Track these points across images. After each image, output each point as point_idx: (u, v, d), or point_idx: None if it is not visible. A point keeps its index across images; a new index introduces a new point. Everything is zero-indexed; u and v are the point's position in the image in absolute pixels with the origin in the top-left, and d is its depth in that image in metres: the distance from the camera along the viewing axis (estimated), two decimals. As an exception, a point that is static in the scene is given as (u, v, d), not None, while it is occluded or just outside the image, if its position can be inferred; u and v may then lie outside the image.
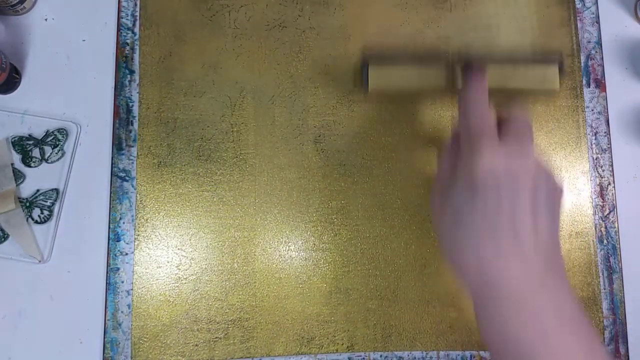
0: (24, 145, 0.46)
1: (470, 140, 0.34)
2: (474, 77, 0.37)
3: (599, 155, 0.47)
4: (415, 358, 0.44)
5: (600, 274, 0.45)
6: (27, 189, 0.45)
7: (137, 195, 0.45)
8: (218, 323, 0.44)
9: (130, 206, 0.45)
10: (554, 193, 0.34)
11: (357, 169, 0.46)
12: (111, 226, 0.45)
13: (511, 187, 0.31)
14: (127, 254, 0.45)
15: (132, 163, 0.46)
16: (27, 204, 0.45)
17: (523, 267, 0.31)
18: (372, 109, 0.47)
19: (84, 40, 0.48)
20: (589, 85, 0.48)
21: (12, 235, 0.45)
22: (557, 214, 0.34)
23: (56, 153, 0.46)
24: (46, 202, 0.45)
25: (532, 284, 0.31)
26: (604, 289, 0.45)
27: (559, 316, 0.30)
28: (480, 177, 0.32)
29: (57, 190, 0.45)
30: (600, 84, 0.48)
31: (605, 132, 0.47)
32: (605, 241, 0.46)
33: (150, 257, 0.45)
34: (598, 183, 0.46)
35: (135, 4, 0.47)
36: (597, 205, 0.46)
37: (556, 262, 0.33)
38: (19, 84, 0.47)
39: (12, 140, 0.46)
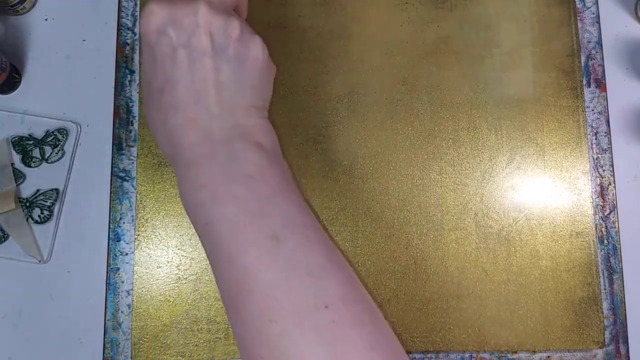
0: (24, 145, 0.46)
1: None
2: None
3: (599, 155, 0.47)
4: (415, 359, 0.44)
5: (601, 274, 0.45)
6: (27, 189, 0.45)
7: (137, 195, 0.45)
8: (218, 323, 0.44)
9: (131, 206, 0.45)
10: (240, 48, 0.32)
11: (357, 169, 0.46)
12: (111, 226, 0.45)
13: (181, 36, 0.30)
14: (127, 254, 0.45)
15: (133, 163, 0.46)
16: (27, 204, 0.45)
17: (200, 134, 0.30)
18: (373, 108, 0.47)
19: (84, 40, 0.48)
20: (589, 85, 0.47)
21: (12, 236, 0.45)
22: (248, 79, 0.33)
23: (56, 153, 0.46)
24: (46, 202, 0.45)
25: (206, 149, 0.30)
26: (605, 289, 0.45)
27: (228, 180, 0.30)
28: (145, 31, 0.31)
29: (57, 190, 0.45)
30: (601, 84, 0.48)
31: (605, 132, 0.47)
32: (605, 241, 0.46)
33: (151, 257, 0.45)
34: (598, 183, 0.46)
35: (136, 4, 0.47)
36: (598, 205, 0.46)
37: (243, 126, 0.32)
38: (19, 84, 0.47)
39: (12, 140, 0.46)
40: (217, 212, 0.29)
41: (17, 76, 0.46)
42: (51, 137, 0.46)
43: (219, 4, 0.32)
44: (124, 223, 0.45)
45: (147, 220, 0.45)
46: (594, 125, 0.47)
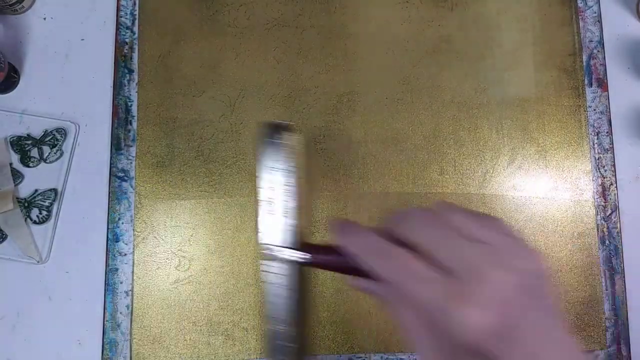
0: (22, 145, 0.45)
1: (425, 305, 0.26)
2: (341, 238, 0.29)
3: (601, 155, 0.46)
4: (415, 359, 0.44)
5: (602, 275, 0.45)
6: (25, 189, 0.45)
7: (136, 195, 0.45)
8: (218, 324, 0.44)
9: (129, 206, 0.45)
10: (539, 285, 0.27)
11: (357, 169, 0.46)
12: (110, 226, 0.45)
13: (514, 331, 0.25)
14: (125, 254, 0.44)
15: (131, 163, 0.45)
16: (26, 204, 0.45)
17: None
18: (373, 108, 0.46)
19: (82, 40, 0.47)
20: (590, 85, 0.47)
21: (11, 236, 0.44)
22: (551, 301, 0.27)
23: (55, 153, 0.45)
24: (45, 202, 0.45)
25: None
26: (606, 289, 0.45)
27: None
28: (476, 341, 0.25)
29: (55, 190, 0.45)
30: (602, 84, 0.47)
31: (607, 132, 0.47)
32: (607, 242, 0.45)
33: (149, 257, 0.44)
34: (600, 183, 0.46)
35: (134, 3, 0.47)
36: (599, 205, 0.46)
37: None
38: (18, 84, 0.46)
39: (11, 140, 0.46)
40: None
41: (15, 75, 0.46)
42: (49, 137, 0.45)
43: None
44: (122, 223, 0.45)
45: (146, 220, 0.45)
46: (595, 125, 0.47)
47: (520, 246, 0.27)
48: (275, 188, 0.33)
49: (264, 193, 0.32)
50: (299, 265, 0.31)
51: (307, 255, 0.31)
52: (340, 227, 0.30)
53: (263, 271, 0.31)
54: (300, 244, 0.32)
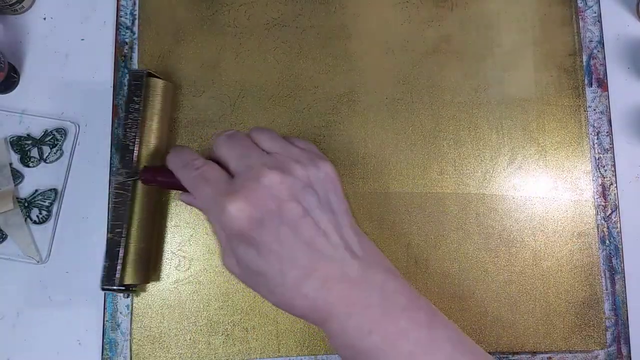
0: (22, 145, 0.46)
1: (211, 205, 0.32)
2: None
3: (601, 155, 0.46)
4: (416, 359, 0.44)
5: (602, 275, 0.45)
6: (25, 189, 0.45)
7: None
8: (218, 324, 0.44)
9: (129, 206, 0.45)
10: (322, 187, 0.33)
11: (358, 169, 0.46)
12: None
13: (273, 217, 0.30)
14: (126, 254, 0.44)
15: (131, 163, 0.45)
16: (26, 204, 0.45)
17: (342, 286, 0.30)
18: (373, 108, 0.46)
19: (82, 40, 0.47)
20: (590, 85, 0.47)
21: (11, 236, 0.44)
22: (336, 205, 0.33)
23: (55, 153, 0.46)
24: (45, 202, 0.45)
25: (355, 296, 0.30)
26: (606, 290, 0.45)
27: (392, 319, 0.30)
28: (240, 228, 0.30)
29: (55, 190, 0.45)
30: (602, 84, 0.47)
31: (607, 132, 0.47)
32: (607, 242, 0.45)
33: (149, 257, 0.44)
34: (600, 183, 0.46)
35: (134, 3, 0.47)
36: (600, 205, 0.46)
37: (367, 253, 0.32)
38: (18, 84, 0.46)
39: (11, 140, 0.46)
40: (392, 353, 0.29)
41: (15, 75, 0.46)
42: (49, 137, 0.45)
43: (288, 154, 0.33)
44: (122, 223, 0.45)
45: (146, 220, 0.45)
46: (595, 125, 0.47)
47: (311, 158, 0.34)
48: (129, 124, 0.41)
49: (121, 130, 0.42)
50: (140, 185, 0.41)
51: (137, 176, 0.40)
52: (172, 149, 0.36)
53: (113, 189, 0.40)
54: (142, 168, 0.40)
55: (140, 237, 0.41)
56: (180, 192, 0.38)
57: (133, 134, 0.40)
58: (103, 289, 0.39)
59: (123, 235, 0.39)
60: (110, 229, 0.40)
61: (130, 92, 0.41)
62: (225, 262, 0.33)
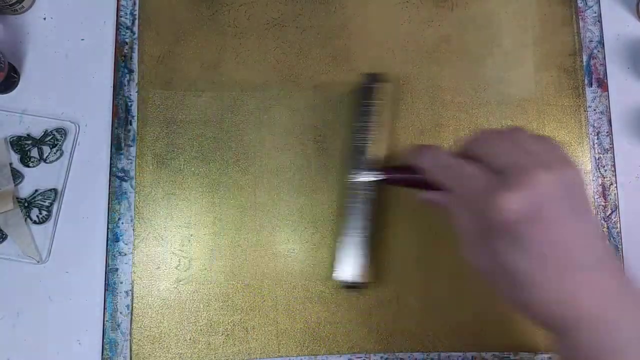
0: (22, 145, 0.46)
1: (474, 199, 0.31)
2: (418, 156, 0.36)
3: (601, 155, 0.46)
4: (416, 359, 0.44)
5: (602, 275, 0.45)
6: (25, 189, 0.45)
7: (136, 195, 0.45)
8: (218, 324, 0.44)
9: (129, 206, 0.45)
10: (579, 191, 0.31)
11: (358, 169, 0.46)
12: (110, 226, 0.45)
13: (545, 215, 0.29)
14: (125, 254, 0.44)
15: (131, 163, 0.45)
16: (26, 204, 0.45)
17: (598, 285, 0.29)
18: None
19: (82, 40, 0.47)
20: (591, 85, 0.47)
21: (11, 236, 0.44)
22: (591, 213, 0.32)
23: (55, 153, 0.46)
24: (45, 202, 0.45)
25: (606, 294, 0.29)
26: (606, 289, 0.45)
27: None
28: (508, 222, 0.30)
29: (55, 190, 0.45)
30: (603, 84, 0.47)
31: (607, 132, 0.47)
32: (607, 242, 0.45)
33: (149, 257, 0.44)
34: (600, 183, 0.46)
35: (134, 3, 0.47)
36: (600, 205, 0.46)
37: (618, 268, 0.32)
38: (18, 84, 0.46)
39: (11, 140, 0.46)
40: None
41: (15, 75, 0.46)
42: (49, 137, 0.45)
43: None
44: (122, 223, 0.45)
45: (146, 220, 0.45)
46: (595, 125, 0.47)
47: (565, 157, 0.33)
48: (365, 125, 0.43)
49: (354, 130, 0.44)
50: (378, 183, 0.42)
51: (382, 174, 0.41)
52: (416, 148, 0.37)
53: (348, 189, 0.42)
54: (380, 166, 0.42)
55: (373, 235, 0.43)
56: (419, 190, 0.38)
57: (367, 136, 0.43)
58: (345, 287, 0.43)
59: (366, 235, 0.42)
60: (355, 228, 0.42)
61: (365, 95, 0.44)
62: (467, 253, 0.32)
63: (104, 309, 0.44)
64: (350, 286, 0.42)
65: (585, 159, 0.46)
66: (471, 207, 0.32)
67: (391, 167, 0.41)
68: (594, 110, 0.47)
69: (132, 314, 0.44)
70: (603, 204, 0.46)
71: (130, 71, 0.46)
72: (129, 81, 0.46)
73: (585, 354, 0.29)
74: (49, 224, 0.45)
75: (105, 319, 0.44)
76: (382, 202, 0.44)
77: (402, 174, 0.39)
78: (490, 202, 0.30)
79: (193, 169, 0.45)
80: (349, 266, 0.42)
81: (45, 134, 0.46)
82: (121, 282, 0.44)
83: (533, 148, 0.32)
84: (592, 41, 0.48)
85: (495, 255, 0.31)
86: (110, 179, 0.45)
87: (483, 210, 0.30)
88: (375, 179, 0.41)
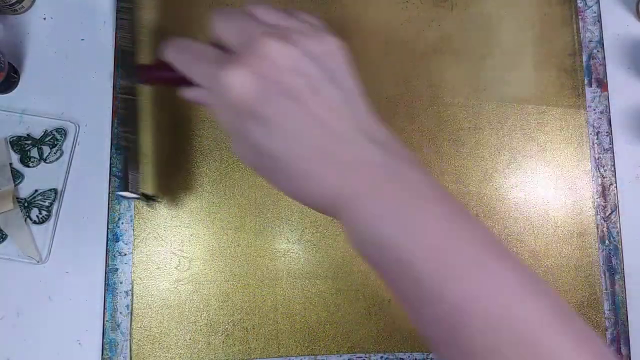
0: (22, 145, 0.46)
1: (208, 80, 0.29)
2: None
3: (600, 155, 0.46)
4: (415, 359, 0.44)
5: (602, 275, 0.45)
6: (25, 189, 0.45)
7: (136, 195, 0.45)
8: (218, 324, 0.44)
9: (129, 206, 0.45)
10: (330, 61, 0.29)
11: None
12: (110, 226, 0.45)
13: (278, 89, 0.27)
14: (125, 254, 0.44)
15: (131, 163, 0.45)
16: (26, 204, 0.45)
17: (357, 162, 0.27)
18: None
19: (82, 40, 0.47)
20: (590, 85, 0.47)
21: (11, 236, 0.44)
22: (346, 84, 0.29)
23: (55, 153, 0.45)
24: (45, 202, 0.45)
25: (375, 177, 0.27)
26: (606, 289, 0.45)
27: (411, 199, 0.27)
28: (243, 100, 0.27)
29: (55, 190, 0.45)
30: (602, 84, 0.47)
31: (607, 132, 0.47)
32: (607, 241, 0.45)
33: (149, 257, 0.44)
34: (600, 183, 0.46)
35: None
36: (599, 205, 0.46)
37: (388, 142, 0.29)
38: (17, 84, 0.46)
39: (11, 140, 0.46)
40: (412, 245, 0.26)
41: (15, 75, 0.46)
42: (49, 137, 0.45)
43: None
44: (122, 223, 0.45)
45: (146, 220, 0.45)
46: (595, 124, 0.47)
47: (316, 31, 0.29)
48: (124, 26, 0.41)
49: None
50: (141, 85, 0.40)
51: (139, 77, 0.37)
52: (168, 42, 0.32)
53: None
54: (137, 67, 0.39)
55: (152, 146, 0.41)
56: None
57: (130, 35, 0.39)
58: (118, 196, 0.40)
59: (133, 141, 0.38)
60: (121, 136, 0.39)
61: None
62: (235, 149, 0.30)
63: (104, 309, 0.44)
64: (139, 199, 0.39)
65: (584, 159, 0.46)
66: (212, 94, 0.29)
67: (147, 66, 0.36)
68: (594, 110, 0.47)
69: (132, 314, 0.44)
70: (603, 204, 0.46)
71: (130, 71, 0.46)
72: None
73: (358, 234, 0.27)
74: (49, 224, 0.45)
75: (105, 319, 0.44)
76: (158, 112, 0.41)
77: (160, 72, 0.34)
78: (220, 83, 0.27)
79: (193, 169, 0.45)
80: (125, 179, 0.38)
81: (45, 134, 0.46)
82: (121, 282, 0.44)
83: (270, 19, 0.30)
84: (591, 41, 0.48)
85: (248, 140, 0.28)
86: (110, 178, 0.45)
87: (219, 93, 0.28)
88: (136, 81, 0.38)
